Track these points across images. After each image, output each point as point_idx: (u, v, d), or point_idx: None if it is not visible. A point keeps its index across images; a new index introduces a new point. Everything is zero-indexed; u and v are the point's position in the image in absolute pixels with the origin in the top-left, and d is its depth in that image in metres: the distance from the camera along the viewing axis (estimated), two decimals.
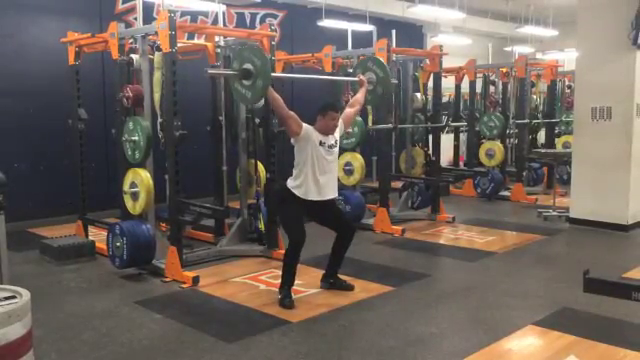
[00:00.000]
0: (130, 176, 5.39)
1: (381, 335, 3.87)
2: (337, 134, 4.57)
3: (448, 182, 9.01)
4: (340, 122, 4.63)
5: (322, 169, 4.39)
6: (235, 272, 5.34)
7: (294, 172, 4.46)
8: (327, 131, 4.46)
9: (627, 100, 6.65)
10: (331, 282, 4.76)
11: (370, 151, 7.75)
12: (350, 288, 4.72)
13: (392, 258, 5.91)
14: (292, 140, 4.45)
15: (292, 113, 4.37)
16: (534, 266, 5.68)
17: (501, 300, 4.54)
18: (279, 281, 4.64)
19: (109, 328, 4.01)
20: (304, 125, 4.38)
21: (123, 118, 5.44)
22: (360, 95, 4.93)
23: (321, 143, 4.40)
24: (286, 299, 4.41)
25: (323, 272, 4.83)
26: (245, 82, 4.18)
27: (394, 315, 4.24)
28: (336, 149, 4.54)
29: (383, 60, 4.95)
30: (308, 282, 4.85)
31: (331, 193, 4.52)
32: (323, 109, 4.47)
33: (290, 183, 4.45)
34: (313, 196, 4.40)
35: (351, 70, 7.11)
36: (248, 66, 4.14)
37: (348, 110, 4.89)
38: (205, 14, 8.86)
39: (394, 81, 5.33)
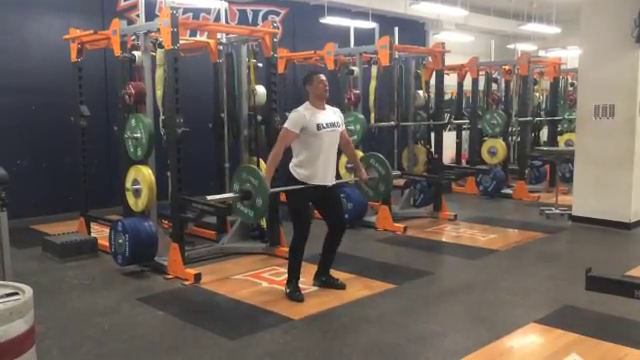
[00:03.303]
0: (132, 173, 5.39)
1: (383, 332, 3.87)
2: (337, 116, 4.53)
3: (450, 180, 9.00)
4: (343, 124, 4.61)
5: (323, 154, 4.36)
6: (237, 269, 5.35)
7: (296, 159, 4.42)
8: (320, 95, 4.40)
9: (630, 98, 6.63)
10: (323, 280, 4.76)
11: (372, 149, 7.72)
12: (342, 287, 4.71)
13: (394, 256, 5.91)
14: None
15: (283, 146, 4.36)
16: (536, 264, 5.68)
17: (503, 298, 4.54)
18: (281, 278, 4.66)
19: (111, 325, 4.02)
20: (295, 119, 4.32)
21: (125, 115, 5.44)
22: (353, 156, 4.91)
23: (319, 127, 4.32)
24: (296, 292, 4.45)
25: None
26: (246, 202, 4.34)
27: (396, 312, 4.24)
28: (336, 129, 4.47)
29: (384, 158, 5.11)
30: (309, 279, 4.84)
31: (331, 178, 4.50)
32: (307, 78, 4.46)
33: (294, 171, 4.41)
34: (318, 181, 4.38)
35: (353, 68, 7.15)
36: (247, 187, 4.30)
37: (346, 137, 4.78)
38: (207, 11, 8.85)
39: (395, 173, 5.54)
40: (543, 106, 11.07)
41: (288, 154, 4.49)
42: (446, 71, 8.31)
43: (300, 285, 4.58)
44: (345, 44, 7.54)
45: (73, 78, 6.33)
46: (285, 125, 4.39)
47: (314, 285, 4.78)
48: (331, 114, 4.49)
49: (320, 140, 4.34)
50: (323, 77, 4.46)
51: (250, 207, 4.33)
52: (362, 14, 10.06)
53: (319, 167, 4.37)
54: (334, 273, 4.84)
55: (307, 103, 4.44)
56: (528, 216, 7.78)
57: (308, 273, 4.81)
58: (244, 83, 5.99)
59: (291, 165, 4.46)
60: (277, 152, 4.37)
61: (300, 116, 4.33)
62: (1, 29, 7.03)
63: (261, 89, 5.90)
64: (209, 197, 4.52)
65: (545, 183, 9.98)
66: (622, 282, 2.96)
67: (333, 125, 4.43)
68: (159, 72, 5.19)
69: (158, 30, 5.11)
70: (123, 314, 4.24)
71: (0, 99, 6.99)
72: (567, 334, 3.79)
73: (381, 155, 5.17)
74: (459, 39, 12.21)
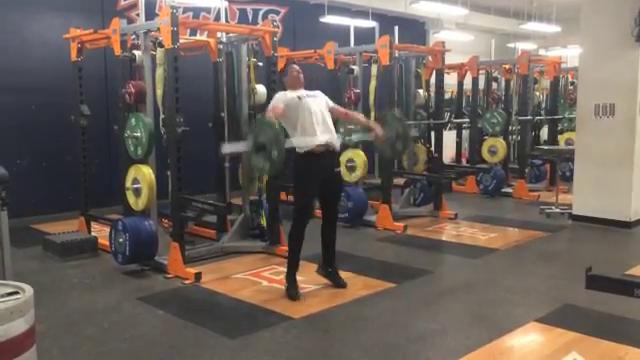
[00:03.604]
0: (132, 172, 5.39)
1: (383, 331, 3.87)
2: (318, 96, 4.64)
3: (450, 179, 9.00)
4: (327, 99, 4.72)
5: (317, 121, 4.44)
6: (237, 268, 5.35)
7: (295, 136, 4.46)
8: (296, 83, 4.62)
9: (630, 97, 6.62)
10: (329, 270, 4.78)
11: (372, 148, 7.73)
12: (342, 285, 4.72)
13: (394, 255, 5.91)
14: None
15: (273, 113, 4.38)
16: (536, 263, 5.68)
17: (503, 297, 4.54)
18: (281, 277, 4.66)
19: (111, 324, 4.02)
20: (279, 99, 4.50)
21: (125, 114, 5.44)
22: (357, 119, 5.03)
23: (300, 97, 4.49)
24: (291, 289, 4.47)
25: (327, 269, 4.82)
26: (262, 154, 4.28)
27: (396, 312, 4.24)
28: (318, 99, 4.58)
29: (402, 116, 5.06)
30: (310, 278, 4.85)
31: (333, 141, 4.53)
32: (283, 71, 4.73)
33: (298, 144, 4.43)
34: (321, 139, 4.42)
35: (353, 67, 7.15)
36: (262, 139, 4.24)
37: (343, 111, 4.97)
38: (207, 10, 8.85)
39: (414, 134, 5.48)
40: (543, 105, 11.06)
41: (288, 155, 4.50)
42: (446, 70, 8.32)
43: (300, 284, 4.59)
44: (345, 43, 7.54)
45: (73, 77, 6.32)
46: (270, 105, 4.55)
47: (317, 272, 4.78)
48: (308, 91, 4.64)
49: (304, 106, 4.45)
50: (296, 66, 4.74)
51: (266, 159, 4.24)
52: (362, 13, 10.06)
53: (316, 129, 4.42)
54: None
55: (285, 92, 4.62)
56: (528, 215, 7.78)
57: (309, 272, 4.81)
58: (244, 82, 5.99)
59: (295, 148, 4.46)
60: (270, 110, 4.42)
61: (281, 94, 4.60)
62: (1, 29, 7.03)
63: (261, 88, 5.90)
64: (225, 146, 4.40)
65: (545, 182, 9.98)
66: (622, 281, 2.96)
67: (314, 96, 4.59)
68: (159, 71, 5.19)
69: (158, 29, 5.11)
70: (123, 313, 4.24)
71: (0, 99, 7.00)
72: (567, 333, 3.79)
73: (399, 113, 5.10)
74: (459, 38, 12.21)
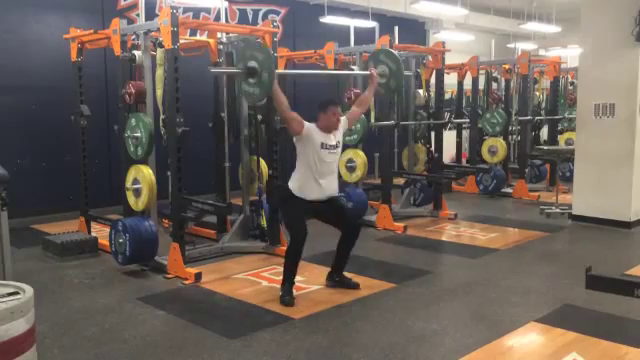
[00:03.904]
0: (132, 172, 5.40)
1: (383, 331, 3.87)
2: (340, 132, 4.56)
3: (450, 179, 9.00)
4: (344, 119, 4.64)
5: (322, 171, 4.40)
6: (237, 269, 5.35)
7: (295, 174, 4.47)
8: (330, 127, 4.45)
9: (630, 96, 6.63)
10: (337, 280, 4.75)
11: (372, 148, 7.75)
12: (356, 286, 4.70)
13: (394, 255, 5.91)
14: (294, 139, 4.45)
15: (294, 114, 4.38)
16: (536, 263, 5.68)
17: (503, 297, 4.54)
18: (281, 278, 4.65)
19: (112, 324, 4.02)
20: (306, 124, 4.39)
21: (125, 114, 5.45)
22: (368, 93, 4.92)
23: (323, 145, 4.39)
24: (286, 297, 4.41)
25: (328, 270, 4.80)
26: (251, 80, 4.17)
27: (396, 312, 4.24)
28: (338, 150, 4.54)
29: (395, 52, 4.93)
30: (310, 279, 4.85)
31: (331, 192, 4.54)
32: (323, 105, 4.46)
33: (291, 185, 4.47)
34: (314, 196, 4.43)
35: (354, 66, 7.15)
36: (252, 63, 4.13)
37: (354, 109, 4.89)
38: (207, 10, 8.86)
39: (407, 73, 5.31)
40: (543, 105, 11.07)
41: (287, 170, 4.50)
42: (446, 70, 8.31)
43: (301, 284, 4.58)
44: (345, 43, 7.54)
45: (73, 77, 6.33)
46: (295, 114, 4.43)
47: (327, 285, 4.76)
48: (335, 135, 4.49)
49: (320, 157, 4.38)
50: (337, 109, 4.50)
51: (255, 85, 4.14)
52: (362, 13, 10.05)
53: (316, 184, 4.40)
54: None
55: (314, 125, 4.44)
56: (528, 215, 7.78)
57: (309, 272, 4.81)
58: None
59: (290, 185, 4.48)
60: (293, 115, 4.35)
61: (311, 126, 4.41)
62: (1, 28, 7.03)
63: None
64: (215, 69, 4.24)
65: (545, 182, 9.98)
66: (622, 281, 2.96)
67: (335, 147, 4.48)
68: (159, 71, 5.19)
69: (158, 29, 5.11)
70: (123, 313, 4.25)
71: (0, 98, 7.00)
72: (567, 333, 3.79)
73: (393, 51, 4.98)
74: (459, 38, 12.21)
